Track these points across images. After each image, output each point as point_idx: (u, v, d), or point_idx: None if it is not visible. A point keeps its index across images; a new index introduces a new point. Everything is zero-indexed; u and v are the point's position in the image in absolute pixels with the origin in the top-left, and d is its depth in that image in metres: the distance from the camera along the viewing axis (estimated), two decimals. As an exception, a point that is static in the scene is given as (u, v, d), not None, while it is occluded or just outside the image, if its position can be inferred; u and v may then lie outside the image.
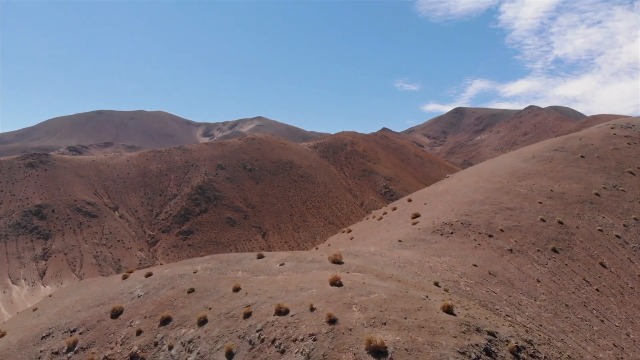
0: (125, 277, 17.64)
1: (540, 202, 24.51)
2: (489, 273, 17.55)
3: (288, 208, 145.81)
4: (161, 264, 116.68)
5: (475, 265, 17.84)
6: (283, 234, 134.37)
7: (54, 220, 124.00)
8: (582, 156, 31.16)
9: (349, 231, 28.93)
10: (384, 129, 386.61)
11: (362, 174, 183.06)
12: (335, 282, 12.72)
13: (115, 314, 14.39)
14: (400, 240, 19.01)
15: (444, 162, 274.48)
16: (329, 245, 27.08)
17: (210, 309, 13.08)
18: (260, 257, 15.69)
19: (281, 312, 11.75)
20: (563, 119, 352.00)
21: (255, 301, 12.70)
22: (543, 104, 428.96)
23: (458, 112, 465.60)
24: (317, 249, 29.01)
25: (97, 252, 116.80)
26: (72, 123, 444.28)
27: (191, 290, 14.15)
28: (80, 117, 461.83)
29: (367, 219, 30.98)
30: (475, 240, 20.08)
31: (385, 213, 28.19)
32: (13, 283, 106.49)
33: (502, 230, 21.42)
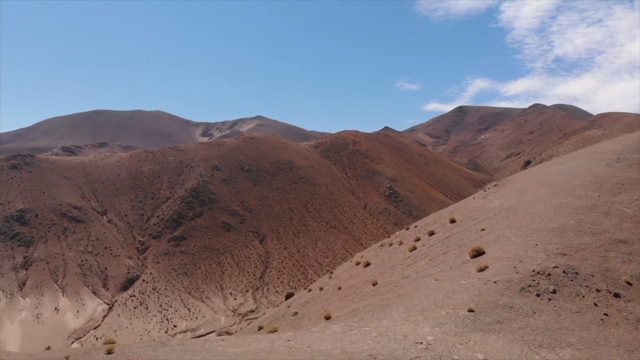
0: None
1: (661, 229, 16.15)
2: (652, 384, 9.21)
3: (288, 211, 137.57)
4: (151, 273, 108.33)
5: (621, 367, 9.48)
6: (282, 239, 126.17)
7: (37, 226, 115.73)
8: (679, 158, 23.06)
9: (367, 264, 20.52)
10: (386, 128, 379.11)
11: (365, 174, 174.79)
12: None
13: None
14: (471, 310, 10.55)
15: (449, 161, 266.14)
16: (339, 288, 18.67)
17: None
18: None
19: None
20: (569, 117, 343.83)
21: None
22: (544, 102, 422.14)
23: (461, 111, 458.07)
24: (321, 289, 20.61)
25: (82, 260, 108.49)
26: (70, 123, 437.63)
27: None
28: (77, 117, 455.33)
29: (391, 244, 22.50)
30: (596, 305, 11.66)
31: (418, 239, 19.76)
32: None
33: (629, 284, 13.04)
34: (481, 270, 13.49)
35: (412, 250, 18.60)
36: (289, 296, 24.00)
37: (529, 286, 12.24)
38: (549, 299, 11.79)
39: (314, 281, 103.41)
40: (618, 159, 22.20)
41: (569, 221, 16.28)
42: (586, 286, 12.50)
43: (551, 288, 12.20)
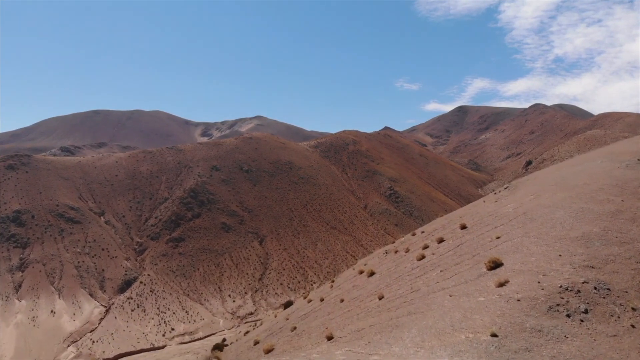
0: None
1: (693, 238, 14.76)
2: None
3: (287, 212, 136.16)
4: (149, 274, 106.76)
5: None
6: (282, 240, 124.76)
7: (33, 227, 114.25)
8: (701, 158, 21.67)
9: (371, 273, 19.14)
10: (386, 128, 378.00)
11: (365, 174, 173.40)
12: None
13: None
14: (494, 335, 9.17)
15: (450, 162, 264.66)
16: (342, 301, 17.28)
17: None
18: None
19: None
20: (570, 117, 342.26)
21: None
22: (544, 102, 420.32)
23: (461, 111, 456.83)
24: (322, 300, 19.21)
25: (79, 262, 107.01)
26: (68, 123, 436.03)
27: None
28: (76, 117, 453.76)
29: (397, 251, 21.12)
30: (633, 327, 10.30)
31: (426, 247, 18.37)
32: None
33: (668, 302, 11.62)
34: (501, 285, 12.12)
35: (420, 259, 17.22)
36: (287, 305, 22.61)
37: (558, 305, 10.86)
38: (581, 320, 10.41)
39: (314, 283, 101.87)
40: (638, 160, 20.82)
41: (593, 229, 14.90)
42: (620, 304, 11.12)
43: (582, 307, 10.81)
